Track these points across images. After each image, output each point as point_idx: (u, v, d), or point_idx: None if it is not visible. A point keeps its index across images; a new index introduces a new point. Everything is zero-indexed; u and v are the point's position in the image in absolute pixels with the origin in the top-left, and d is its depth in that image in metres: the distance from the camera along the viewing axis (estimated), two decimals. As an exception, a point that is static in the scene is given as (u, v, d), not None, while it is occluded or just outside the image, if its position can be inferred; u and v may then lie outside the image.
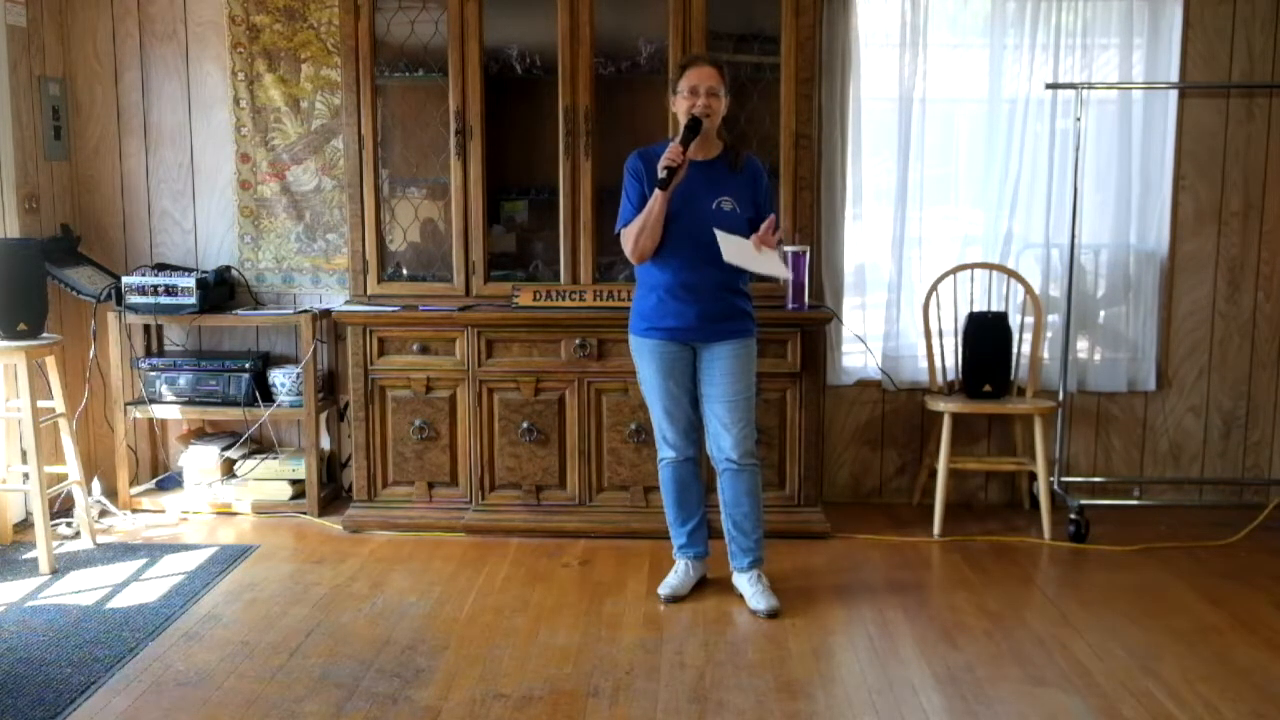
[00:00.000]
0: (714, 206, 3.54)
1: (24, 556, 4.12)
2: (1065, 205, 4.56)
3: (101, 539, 4.32)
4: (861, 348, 4.76)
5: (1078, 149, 4.48)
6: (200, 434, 4.92)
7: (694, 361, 3.63)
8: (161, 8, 4.72)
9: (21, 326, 4.01)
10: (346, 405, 4.74)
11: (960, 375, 4.58)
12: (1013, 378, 4.54)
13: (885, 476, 4.89)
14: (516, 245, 4.67)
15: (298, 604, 3.68)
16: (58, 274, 4.43)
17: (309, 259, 4.83)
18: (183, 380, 4.63)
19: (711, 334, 3.58)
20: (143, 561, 4.08)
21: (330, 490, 4.80)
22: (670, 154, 3.43)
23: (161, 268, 4.68)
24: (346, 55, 4.34)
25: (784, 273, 3.67)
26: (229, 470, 4.75)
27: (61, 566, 4.00)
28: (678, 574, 3.78)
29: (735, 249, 3.46)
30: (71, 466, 4.24)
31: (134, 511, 4.69)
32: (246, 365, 4.63)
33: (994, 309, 4.60)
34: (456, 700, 3.00)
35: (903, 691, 3.07)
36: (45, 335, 4.12)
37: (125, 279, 4.54)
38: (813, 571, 3.99)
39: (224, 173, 4.81)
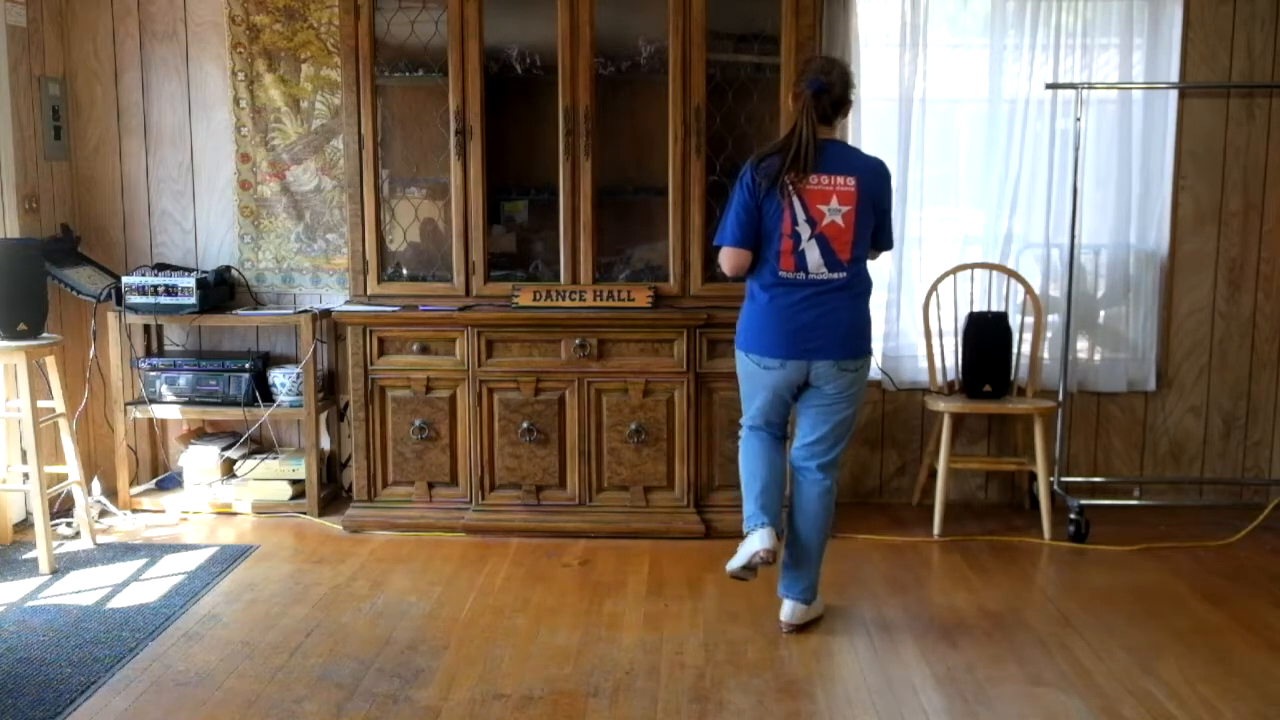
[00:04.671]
0: None
1: (24, 556, 4.12)
2: (1065, 205, 4.56)
3: (101, 539, 4.32)
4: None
5: (1078, 149, 4.48)
6: (200, 434, 4.92)
7: None
8: (161, 8, 4.72)
9: (21, 326, 4.01)
10: (346, 405, 4.74)
11: (960, 375, 4.58)
12: (1013, 378, 4.54)
13: (885, 476, 4.89)
14: (516, 245, 4.67)
15: (298, 604, 3.68)
16: (58, 274, 4.43)
17: (309, 259, 4.83)
18: (183, 380, 4.63)
19: None
20: (143, 561, 4.08)
21: (330, 490, 4.80)
22: None
23: (161, 268, 4.68)
24: (346, 55, 4.33)
25: None
26: (229, 470, 4.75)
27: (61, 566, 4.00)
28: None
29: None
30: (71, 466, 4.23)
31: (134, 511, 4.69)
32: (246, 365, 4.63)
33: (994, 309, 4.60)
34: (456, 700, 3.00)
35: (903, 691, 3.07)
36: (45, 335, 4.12)
37: (125, 279, 4.54)
38: (813, 571, 3.98)
39: (224, 173, 4.81)
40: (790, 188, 3.30)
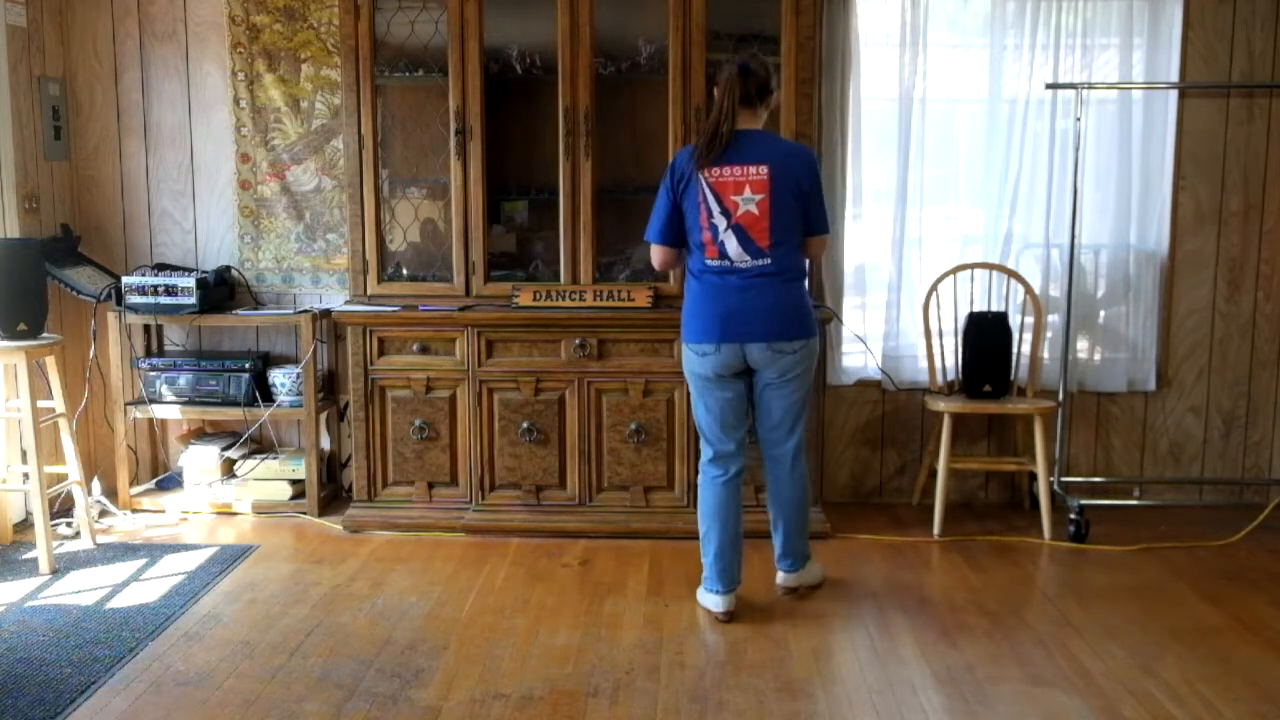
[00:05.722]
0: None
1: (24, 556, 4.12)
2: (1065, 205, 4.56)
3: (101, 539, 4.32)
4: (861, 348, 4.76)
5: (1078, 149, 4.48)
6: (200, 434, 4.92)
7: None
8: (161, 8, 4.72)
9: (21, 326, 4.01)
10: (346, 405, 4.74)
11: (960, 375, 4.58)
12: (1013, 378, 4.54)
13: (885, 476, 4.89)
14: (516, 245, 4.67)
15: (298, 604, 3.68)
16: (58, 274, 4.43)
17: (309, 259, 4.83)
18: (183, 380, 4.63)
19: None
20: (143, 561, 4.08)
21: (330, 490, 4.81)
22: None
23: (161, 268, 4.68)
24: (346, 55, 4.34)
25: None
26: (229, 470, 4.75)
27: (61, 566, 4.00)
28: None
29: None
30: (71, 466, 4.24)
31: (134, 511, 4.69)
32: (246, 365, 4.63)
33: (994, 309, 4.60)
34: (456, 700, 3.00)
35: (903, 691, 3.08)
36: (45, 335, 4.12)
37: (125, 279, 4.54)
38: (813, 571, 3.98)
39: (224, 173, 4.81)
40: (704, 181, 3.38)
